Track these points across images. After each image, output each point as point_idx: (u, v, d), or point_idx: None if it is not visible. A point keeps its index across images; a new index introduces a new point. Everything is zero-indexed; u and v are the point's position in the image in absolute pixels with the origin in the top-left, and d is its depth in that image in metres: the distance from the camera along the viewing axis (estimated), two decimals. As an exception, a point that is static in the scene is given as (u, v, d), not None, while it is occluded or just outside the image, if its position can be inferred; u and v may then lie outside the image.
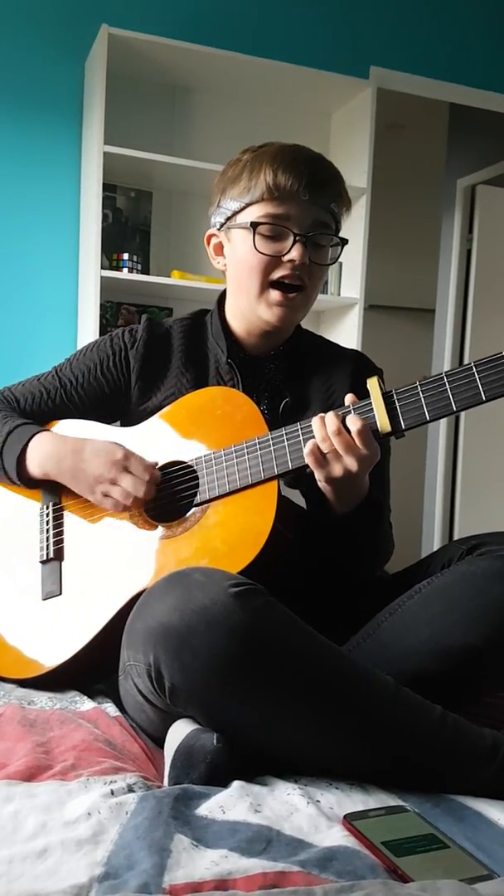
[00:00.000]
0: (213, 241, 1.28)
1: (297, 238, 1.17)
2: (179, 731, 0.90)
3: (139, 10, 2.81)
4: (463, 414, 3.82)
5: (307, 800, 0.83)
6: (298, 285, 1.20)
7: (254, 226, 1.17)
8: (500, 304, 3.85)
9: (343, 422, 1.03)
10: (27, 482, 1.23)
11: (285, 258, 1.18)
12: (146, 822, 0.75)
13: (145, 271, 2.85)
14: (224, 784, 0.85)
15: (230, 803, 0.81)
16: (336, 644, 0.96)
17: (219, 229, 1.26)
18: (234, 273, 1.25)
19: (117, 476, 1.14)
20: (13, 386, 1.35)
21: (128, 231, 2.87)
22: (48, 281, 2.83)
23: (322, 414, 1.05)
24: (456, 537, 3.81)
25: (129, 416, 1.29)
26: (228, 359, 1.25)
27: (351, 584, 1.20)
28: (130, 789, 0.82)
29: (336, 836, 0.75)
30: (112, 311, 2.88)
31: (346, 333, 3.01)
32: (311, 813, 0.80)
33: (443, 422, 3.92)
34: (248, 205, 1.19)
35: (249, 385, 1.25)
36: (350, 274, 3.01)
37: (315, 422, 1.05)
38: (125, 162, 2.67)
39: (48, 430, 1.25)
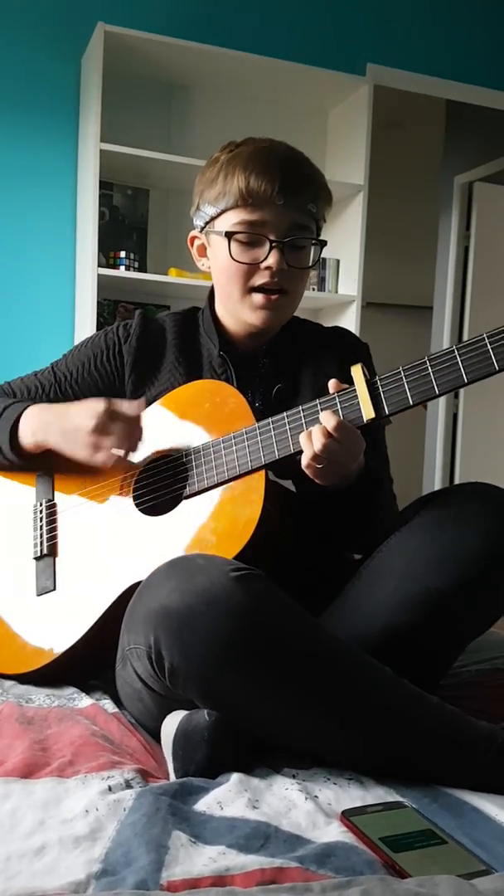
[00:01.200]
0: (196, 242, 1.28)
1: (274, 244, 1.16)
2: (171, 723, 0.91)
3: (135, 7, 2.81)
4: (463, 392, 3.85)
5: (305, 795, 0.83)
6: (279, 289, 1.19)
7: (228, 235, 1.17)
8: (498, 300, 3.85)
9: (330, 431, 1.02)
10: (21, 456, 1.23)
11: (262, 265, 1.17)
12: (144, 818, 0.75)
13: (142, 269, 2.85)
14: (229, 760, 0.86)
15: (228, 799, 0.81)
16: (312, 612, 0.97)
17: (200, 231, 1.26)
18: (217, 277, 1.25)
19: (105, 423, 1.12)
20: (12, 380, 1.36)
21: (125, 229, 2.87)
22: (45, 279, 2.82)
23: (308, 430, 1.03)
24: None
25: None
26: (220, 351, 1.25)
27: (349, 565, 1.21)
28: (128, 784, 0.82)
29: (334, 832, 0.75)
30: (109, 309, 2.88)
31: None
32: (309, 809, 0.80)
33: (441, 402, 3.94)
34: (223, 211, 1.18)
35: (243, 380, 1.25)
36: (347, 271, 3.01)
37: (302, 439, 1.03)
38: (122, 159, 2.66)
39: (35, 403, 1.25)
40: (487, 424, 3.96)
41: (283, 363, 1.28)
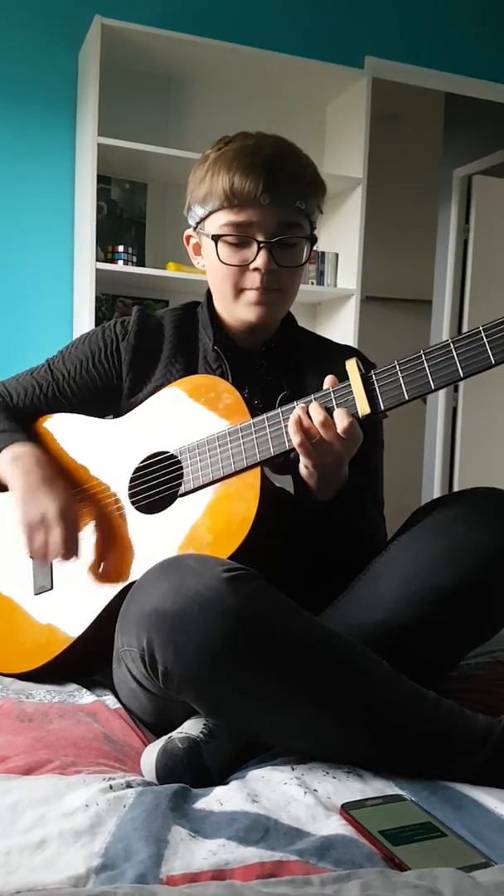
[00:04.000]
0: (192, 241, 1.28)
1: (262, 245, 1.15)
2: (149, 759, 0.90)
3: (132, 0, 2.80)
4: (462, 386, 3.85)
5: (304, 789, 0.83)
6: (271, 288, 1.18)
7: (215, 238, 1.17)
8: (497, 293, 3.84)
9: (329, 412, 1.03)
10: None
11: (251, 266, 1.16)
12: (144, 813, 0.75)
13: (141, 263, 2.84)
14: (220, 776, 0.86)
15: (228, 796, 0.81)
16: (313, 605, 0.96)
17: (193, 231, 1.26)
18: (210, 277, 1.25)
19: (44, 529, 1.15)
20: (7, 381, 1.35)
21: (123, 223, 2.86)
22: (43, 274, 2.82)
23: (304, 403, 1.05)
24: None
25: (122, 407, 1.29)
26: (215, 346, 1.24)
27: (347, 565, 1.21)
28: (129, 785, 0.82)
29: (333, 826, 0.75)
30: (108, 304, 2.87)
31: (343, 325, 3.01)
32: (308, 802, 0.80)
33: (441, 396, 3.94)
34: (211, 212, 1.18)
35: (240, 378, 1.24)
36: (346, 265, 3.01)
37: (299, 411, 1.04)
38: (120, 153, 2.66)
39: (27, 441, 1.23)
40: (487, 418, 3.96)
41: (283, 364, 1.27)
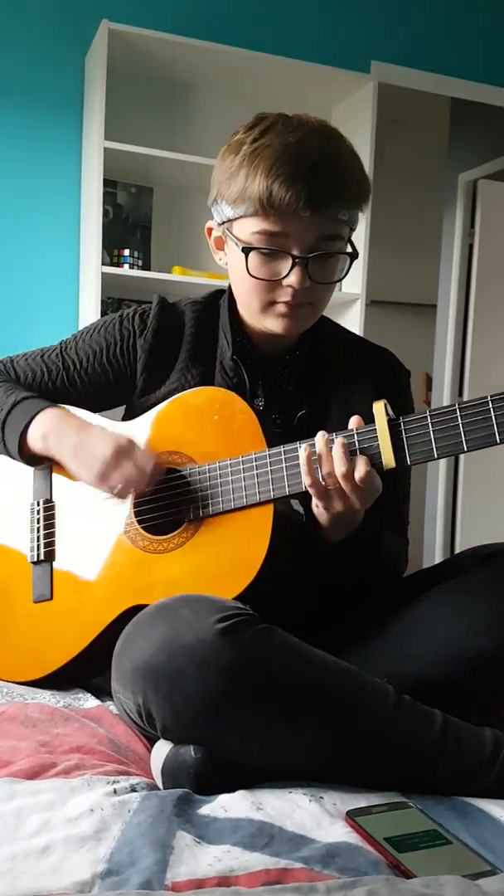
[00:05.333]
0: (214, 234, 1.17)
1: (297, 261, 1.05)
2: (159, 754, 0.89)
3: (139, 5, 2.80)
4: (465, 392, 3.82)
5: (309, 797, 0.83)
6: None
7: (246, 251, 1.06)
8: (502, 298, 3.84)
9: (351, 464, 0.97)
10: (27, 459, 1.18)
11: (284, 282, 1.07)
12: (149, 819, 0.75)
13: (146, 267, 2.84)
14: (217, 791, 0.84)
15: (232, 803, 0.81)
16: (339, 639, 0.94)
17: (218, 225, 1.15)
18: (234, 284, 1.15)
19: (120, 461, 1.07)
20: (16, 357, 1.28)
21: (129, 227, 2.87)
22: (49, 277, 2.82)
23: (327, 446, 0.98)
24: (457, 543, 3.81)
25: (131, 406, 1.23)
26: (234, 355, 1.17)
27: (358, 589, 1.17)
28: (133, 789, 0.82)
29: (339, 833, 0.75)
30: (113, 308, 2.88)
31: (348, 329, 3.01)
32: (313, 810, 0.80)
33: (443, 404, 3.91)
34: (242, 216, 1.07)
35: (259, 388, 1.18)
36: (351, 269, 3.00)
37: (321, 451, 0.98)
38: (126, 157, 2.66)
39: (55, 406, 1.18)
40: (492, 455, 3.88)
41: (308, 376, 1.19)
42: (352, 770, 0.88)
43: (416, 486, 4.29)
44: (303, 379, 1.19)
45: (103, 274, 2.62)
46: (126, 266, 2.76)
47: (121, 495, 1.10)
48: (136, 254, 2.80)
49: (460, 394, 3.93)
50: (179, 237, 2.97)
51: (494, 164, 3.88)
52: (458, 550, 3.79)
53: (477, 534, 3.73)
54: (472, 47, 3.28)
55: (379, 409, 0.98)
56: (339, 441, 0.98)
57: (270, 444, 1.07)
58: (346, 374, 1.19)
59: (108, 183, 2.68)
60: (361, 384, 1.18)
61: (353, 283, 2.99)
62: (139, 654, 0.88)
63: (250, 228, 1.07)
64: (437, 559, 3.86)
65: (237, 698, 0.84)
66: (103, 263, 2.63)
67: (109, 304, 2.85)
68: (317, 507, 1.02)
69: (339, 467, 0.97)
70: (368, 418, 1.00)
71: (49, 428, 1.14)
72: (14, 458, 1.20)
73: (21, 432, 1.15)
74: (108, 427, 1.19)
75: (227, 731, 0.86)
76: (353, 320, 2.99)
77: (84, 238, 2.80)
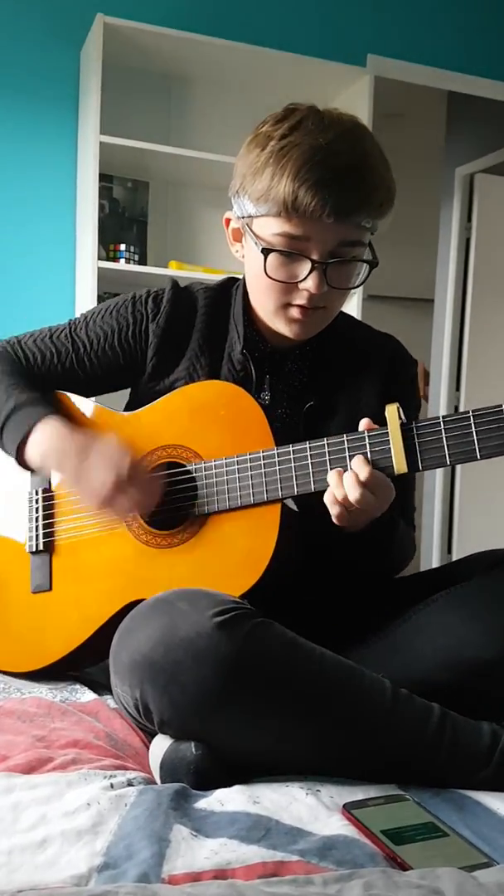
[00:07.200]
0: (232, 225, 1.15)
1: (315, 266, 1.04)
2: (159, 748, 0.89)
3: (135, -2, 2.80)
4: (462, 387, 3.81)
5: (306, 790, 0.83)
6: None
7: (266, 252, 1.05)
8: (499, 292, 3.84)
9: (363, 482, 0.97)
10: (25, 467, 1.17)
11: (301, 286, 1.06)
12: (146, 813, 0.75)
13: (142, 262, 2.84)
14: (215, 787, 0.84)
15: (229, 797, 0.81)
16: (340, 638, 0.94)
17: (238, 219, 1.13)
18: (250, 281, 1.15)
19: (122, 489, 1.05)
20: (23, 337, 1.26)
21: (125, 222, 2.86)
22: (45, 273, 2.82)
23: (339, 470, 0.99)
24: (454, 543, 3.81)
25: (138, 389, 1.22)
26: (244, 349, 1.16)
27: (360, 586, 1.17)
28: (130, 784, 0.82)
29: (335, 825, 0.75)
30: (110, 303, 2.87)
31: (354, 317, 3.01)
32: (310, 803, 0.80)
33: (441, 403, 3.90)
34: (264, 215, 1.05)
35: (267, 381, 1.18)
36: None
37: (332, 480, 0.98)
38: (122, 152, 2.65)
39: (54, 414, 1.15)
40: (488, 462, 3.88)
41: (317, 369, 1.19)
42: (349, 763, 0.88)
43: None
44: (310, 372, 1.19)
45: (99, 269, 2.61)
46: (122, 261, 2.76)
47: (124, 518, 1.11)
48: (132, 248, 2.79)
49: (458, 388, 3.93)
50: (176, 232, 2.97)
51: (491, 157, 3.87)
52: (455, 551, 3.80)
53: (474, 535, 3.73)
54: (468, 41, 3.27)
55: (392, 412, 0.97)
56: (351, 480, 0.97)
57: (277, 439, 1.07)
58: (354, 365, 1.19)
59: (103, 177, 2.68)
60: (369, 376, 1.18)
61: (350, 277, 2.98)
62: (137, 648, 0.88)
63: (272, 229, 1.06)
64: (435, 560, 3.86)
65: (234, 692, 0.85)
66: (99, 258, 2.63)
67: (105, 299, 2.84)
68: (337, 517, 1.01)
69: (353, 493, 0.97)
70: (377, 413, 1.00)
71: (47, 448, 1.12)
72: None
73: (18, 445, 1.14)
74: (111, 420, 1.18)
75: (224, 725, 0.86)
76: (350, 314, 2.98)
77: (80, 233, 2.79)
